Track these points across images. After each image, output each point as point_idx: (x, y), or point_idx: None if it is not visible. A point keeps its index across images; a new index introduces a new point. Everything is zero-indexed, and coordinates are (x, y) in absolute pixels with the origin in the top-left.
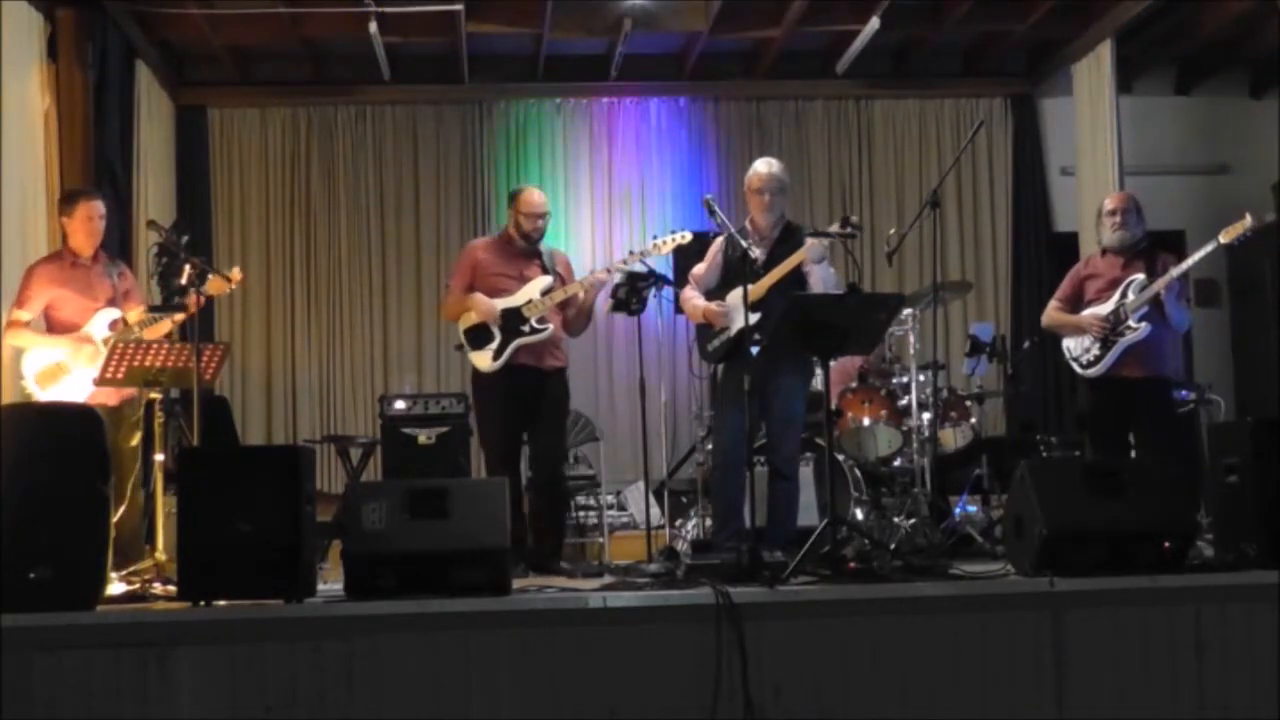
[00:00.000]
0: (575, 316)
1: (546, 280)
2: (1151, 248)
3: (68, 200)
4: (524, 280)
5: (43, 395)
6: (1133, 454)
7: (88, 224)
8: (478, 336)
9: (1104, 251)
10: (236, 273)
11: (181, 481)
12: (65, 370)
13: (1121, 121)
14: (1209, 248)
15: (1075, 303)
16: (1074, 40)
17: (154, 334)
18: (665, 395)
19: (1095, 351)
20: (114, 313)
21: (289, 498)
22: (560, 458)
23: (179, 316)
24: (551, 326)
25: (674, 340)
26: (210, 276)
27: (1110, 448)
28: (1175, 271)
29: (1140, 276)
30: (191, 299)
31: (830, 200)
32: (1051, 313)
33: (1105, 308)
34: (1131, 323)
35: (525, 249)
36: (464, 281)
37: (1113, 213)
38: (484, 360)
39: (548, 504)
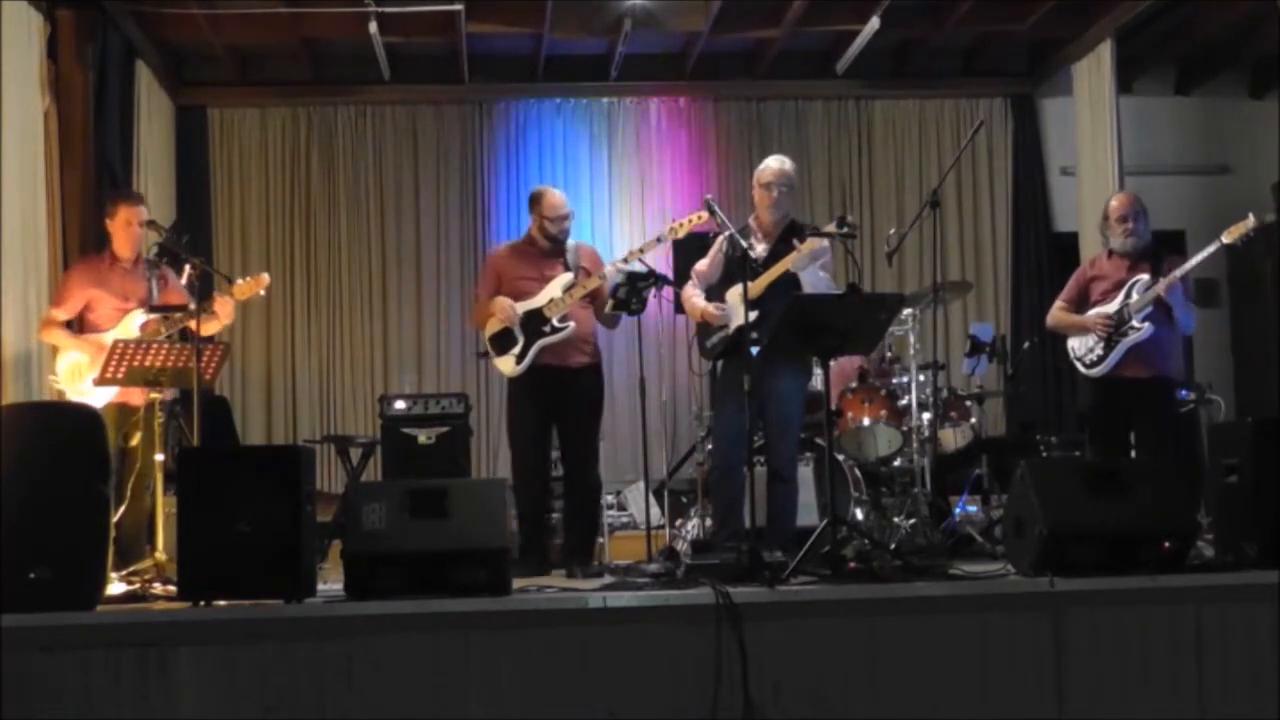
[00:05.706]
0: (601, 308)
1: (568, 277)
2: (1158, 248)
3: (109, 203)
4: (546, 281)
5: (70, 393)
6: (1133, 454)
7: (126, 229)
8: (503, 342)
9: (1110, 253)
10: (265, 277)
11: (181, 481)
12: (86, 372)
13: (1121, 121)
14: (1211, 248)
15: (1080, 304)
16: (1074, 40)
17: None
18: (665, 395)
19: (1099, 351)
20: (145, 315)
21: (289, 498)
22: (590, 456)
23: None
24: (573, 324)
25: (674, 340)
26: (239, 282)
27: (1111, 447)
28: (1178, 273)
29: (1145, 277)
30: (224, 305)
31: (830, 200)
32: (1056, 313)
33: (1110, 308)
34: (1135, 323)
35: (548, 250)
36: (490, 289)
37: (1123, 219)
38: (508, 365)
39: (576, 503)
